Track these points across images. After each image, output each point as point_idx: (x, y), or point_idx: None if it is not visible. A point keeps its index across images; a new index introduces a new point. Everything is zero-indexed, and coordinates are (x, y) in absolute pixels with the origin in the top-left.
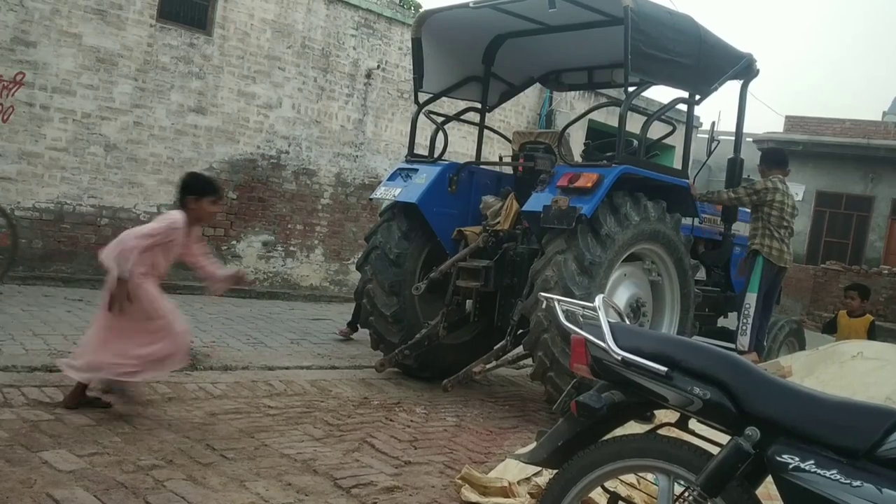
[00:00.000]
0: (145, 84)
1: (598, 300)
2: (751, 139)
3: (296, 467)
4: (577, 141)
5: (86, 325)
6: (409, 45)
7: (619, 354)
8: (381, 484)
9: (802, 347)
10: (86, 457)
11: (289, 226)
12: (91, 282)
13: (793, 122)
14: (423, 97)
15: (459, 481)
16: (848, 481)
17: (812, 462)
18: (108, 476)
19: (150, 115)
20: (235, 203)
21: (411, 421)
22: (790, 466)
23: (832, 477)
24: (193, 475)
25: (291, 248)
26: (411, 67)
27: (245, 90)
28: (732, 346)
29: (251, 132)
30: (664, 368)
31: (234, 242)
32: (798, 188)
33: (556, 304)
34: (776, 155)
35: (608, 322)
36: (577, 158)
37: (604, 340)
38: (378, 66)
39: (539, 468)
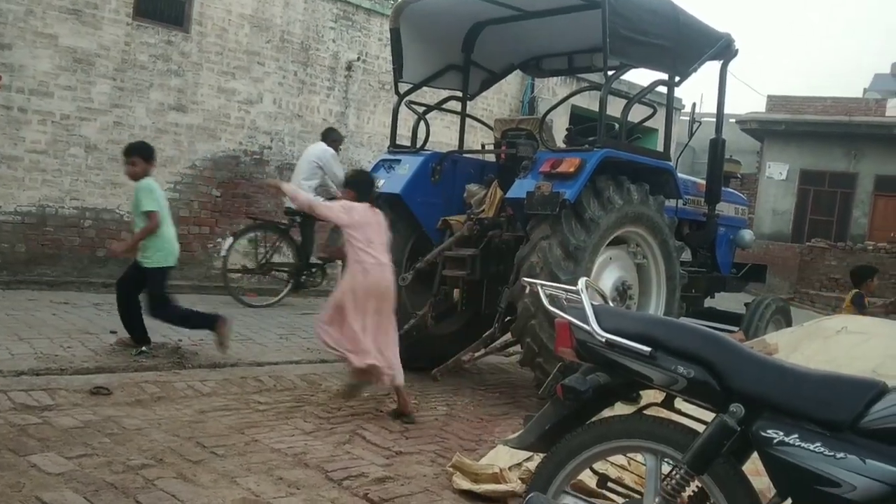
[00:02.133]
0: (124, 83)
1: (581, 283)
2: (733, 120)
3: (287, 461)
4: (560, 127)
5: (71, 327)
6: (389, 35)
7: (602, 336)
8: (372, 475)
9: (789, 325)
10: (74, 459)
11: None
12: (76, 284)
13: (775, 102)
14: (403, 87)
15: (451, 469)
16: (832, 453)
17: (796, 436)
18: (98, 477)
19: (130, 115)
20: (219, 200)
21: None
22: (775, 441)
23: (816, 450)
24: (184, 473)
25: (277, 244)
26: (391, 58)
27: (225, 86)
28: (735, 329)
29: (233, 128)
30: (648, 349)
31: (219, 240)
32: (782, 167)
33: (539, 288)
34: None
35: (591, 304)
36: (560, 144)
37: (587, 323)
38: (358, 58)
39: (530, 453)
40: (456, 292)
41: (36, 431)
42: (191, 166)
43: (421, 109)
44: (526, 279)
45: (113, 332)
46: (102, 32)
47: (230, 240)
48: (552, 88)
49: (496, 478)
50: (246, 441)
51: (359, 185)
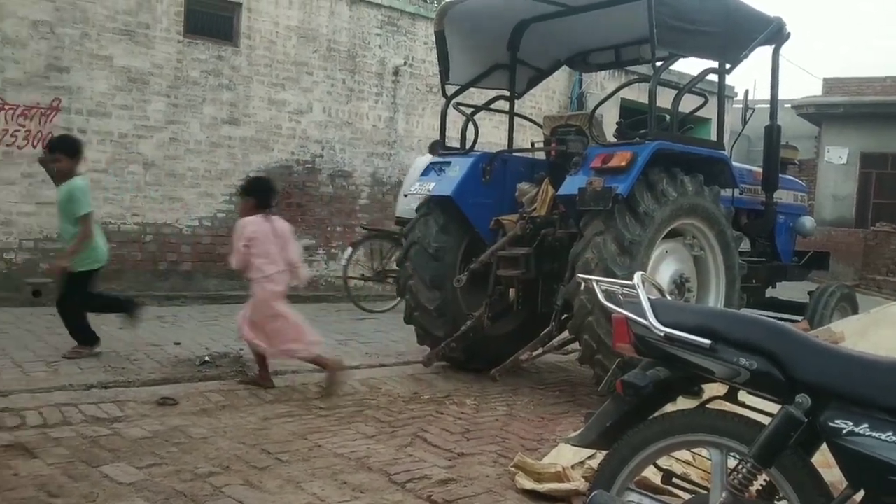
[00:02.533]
0: (178, 100)
1: (637, 277)
2: (789, 105)
3: (350, 466)
4: (610, 121)
5: (137, 340)
6: (434, 38)
7: (661, 330)
8: (435, 477)
9: (855, 312)
10: (144, 468)
11: (328, 228)
12: (140, 298)
13: (831, 84)
14: (451, 89)
15: (513, 469)
16: None
17: (866, 426)
18: (168, 486)
19: (184, 130)
20: (274, 210)
21: (462, 413)
22: (844, 431)
23: (888, 439)
24: (250, 480)
25: (333, 251)
26: (437, 61)
27: (275, 98)
28: (799, 318)
29: (284, 139)
30: (708, 341)
31: None
32: (841, 151)
33: (595, 285)
34: None
35: (648, 299)
36: (610, 138)
37: (645, 317)
38: (405, 63)
39: (593, 451)
40: (511, 292)
41: (107, 443)
42: (245, 178)
43: (469, 110)
44: (581, 276)
45: (177, 344)
46: (155, 51)
47: (349, 250)
48: (600, 83)
49: (559, 477)
50: (309, 446)
51: (259, 193)
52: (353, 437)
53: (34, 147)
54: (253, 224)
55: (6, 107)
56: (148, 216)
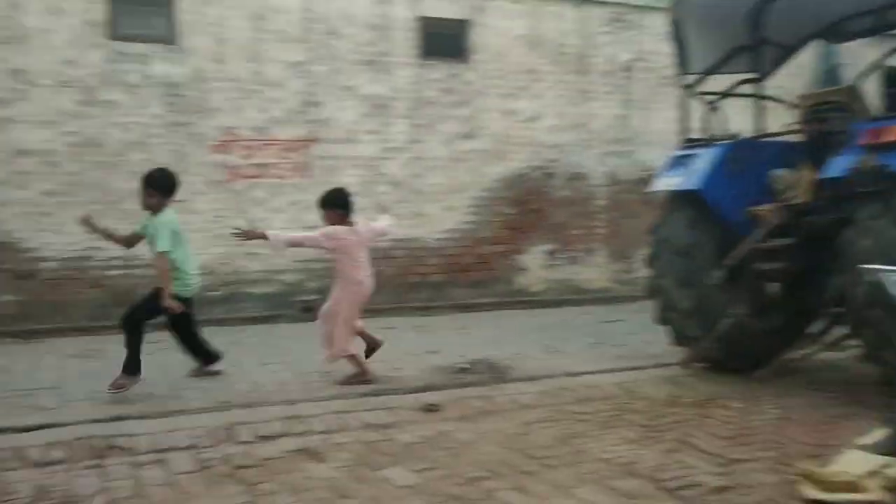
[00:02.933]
0: (418, 120)
1: None
2: None
3: (616, 471)
4: (872, 93)
5: (397, 350)
6: (665, 30)
7: None
8: (708, 484)
9: None
10: (419, 472)
11: (568, 232)
12: (394, 310)
13: None
14: (689, 79)
15: (797, 477)
16: None
17: None
18: (443, 489)
19: (425, 149)
20: (514, 217)
21: (729, 416)
22: None
23: None
24: (518, 484)
25: (574, 254)
26: (671, 52)
27: (508, 108)
28: None
29: (519, 147)
30: None
31: (517, 256)
32: None
33: (883, 275)
34: None
35: None
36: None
37: None
38: (636, 58)
39: (891, 459)
40: (773, 286)
41: (383, 447)
42: (484, 189)
43: (711, 98)
44: (865, 266)
45: (434, 353)
46: (394, 77)
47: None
48: (855, 52)
49: (852, 486)
50: (573, 451)
51: (344, 203)
52: (615, 442)
53: (299, 178)
54: (345, 234)
55: (275, 142)
56: (398, 232)
